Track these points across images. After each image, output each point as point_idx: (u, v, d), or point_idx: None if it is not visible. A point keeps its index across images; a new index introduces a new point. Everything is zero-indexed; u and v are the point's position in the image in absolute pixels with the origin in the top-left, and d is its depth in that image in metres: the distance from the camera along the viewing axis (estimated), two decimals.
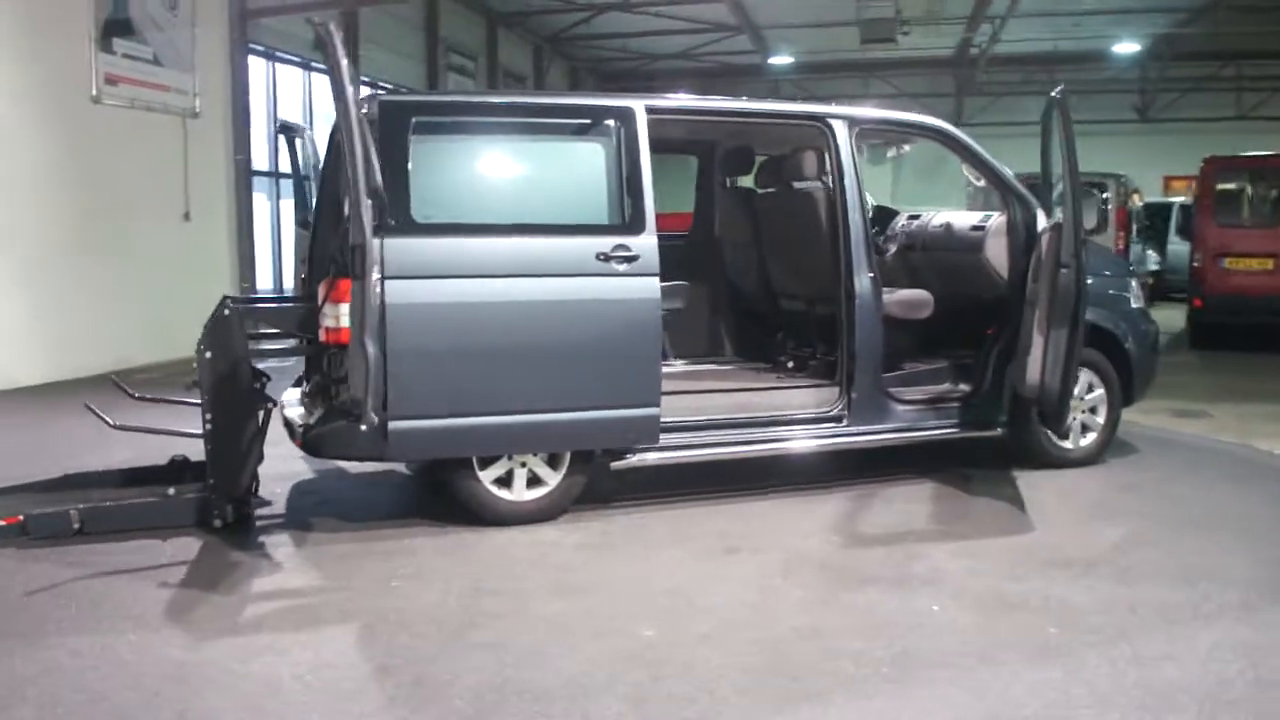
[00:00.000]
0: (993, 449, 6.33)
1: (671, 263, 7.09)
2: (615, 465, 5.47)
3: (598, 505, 5.60)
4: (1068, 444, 6.37)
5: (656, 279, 5.31)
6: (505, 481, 5.31)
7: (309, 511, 5.66)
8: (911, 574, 4.49)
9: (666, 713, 3.27)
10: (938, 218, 6.89)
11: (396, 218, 4.97)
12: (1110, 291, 6.52)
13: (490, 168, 5.44)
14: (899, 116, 6.23)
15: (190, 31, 13.06)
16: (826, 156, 5.93)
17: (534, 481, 5.35)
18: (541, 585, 4.47)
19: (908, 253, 6.96)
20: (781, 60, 24.99)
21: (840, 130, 5.86)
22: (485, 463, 5.26)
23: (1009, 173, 6.21)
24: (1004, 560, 4.64)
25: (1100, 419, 6.45)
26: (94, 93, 11.36)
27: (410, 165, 5.04)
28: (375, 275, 4.44)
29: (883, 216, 7.28)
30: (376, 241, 4.46)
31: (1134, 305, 6.64)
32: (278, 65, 15.77)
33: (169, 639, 3.92)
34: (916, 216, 7.09)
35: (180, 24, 12.88)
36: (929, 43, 23.16)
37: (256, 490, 5.40)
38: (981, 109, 26.17)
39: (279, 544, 5.10)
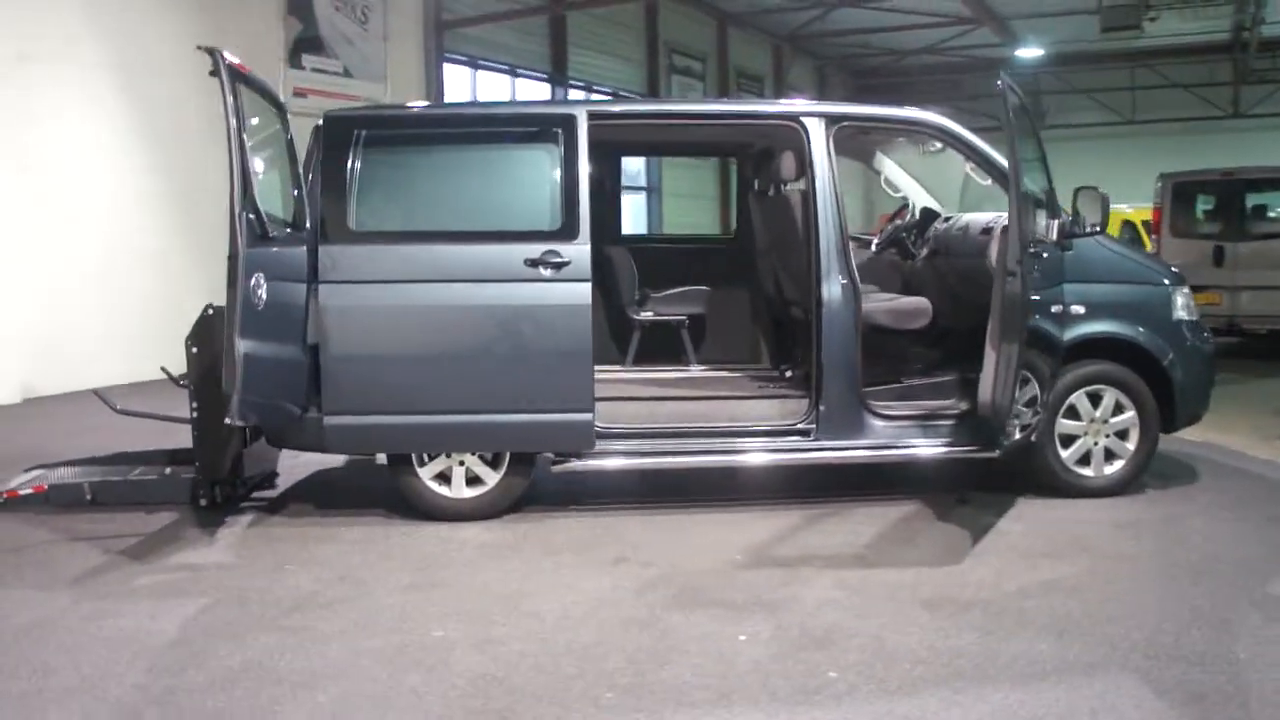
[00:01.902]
0: (1017, 474, 5.83)
1: (704, 267, 7.10)
2: (555, 469, 5.53)
3: (547, 507, 5.67)
4: (1088, 471, 5.76)
5: (588, 285, 5.30)
6: (447, 479, 5.47)
7: (298, 497, 6.08)
8: (764, 601, 4.27)
9: (352, 708, 3.35)
10: (959, 220, 6.39)
11: (333, 226, 5.27)
12: (1142, 301, 5.80)
13: (432, 177, 5.63)
14: (886, 112, 5.84)
15: (382, 45, 14.02)
16: (803, 157, 5.66)
17: (474, 480, 5.48)
18: (403, 579, 4.63)
19: (934, 258, 6.50)
20: (1029, 52, 23.52)
21: (815, 129, 5.58)
22: (425, 460, 5.44)
23: (1039, 165, 5.67)
24: (877, 595, 4.31)
25: (1131, 445, 5.76)
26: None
27: (351, 176, 5.32)
28: (251, 282, 4.70)
29: (927, 219, 6.83)
30: (251, 251, 4.70)
31: (1179, 317, 5.87)
32: (480, 73, 16.56)
33: (56, 597, 4.45)
34: (948, 219, 6.59)
35: (372, 38, 13.88)
36: (1198, 26, 21.19)
37: (242, 473, 5.83)
38: (1261, 99, 23.52)
39: (236, 524, 5.54)
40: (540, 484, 5.83)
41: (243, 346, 4.66)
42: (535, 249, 5.29)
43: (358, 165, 5.36)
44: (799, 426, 5.58)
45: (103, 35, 10.50)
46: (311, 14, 12.98)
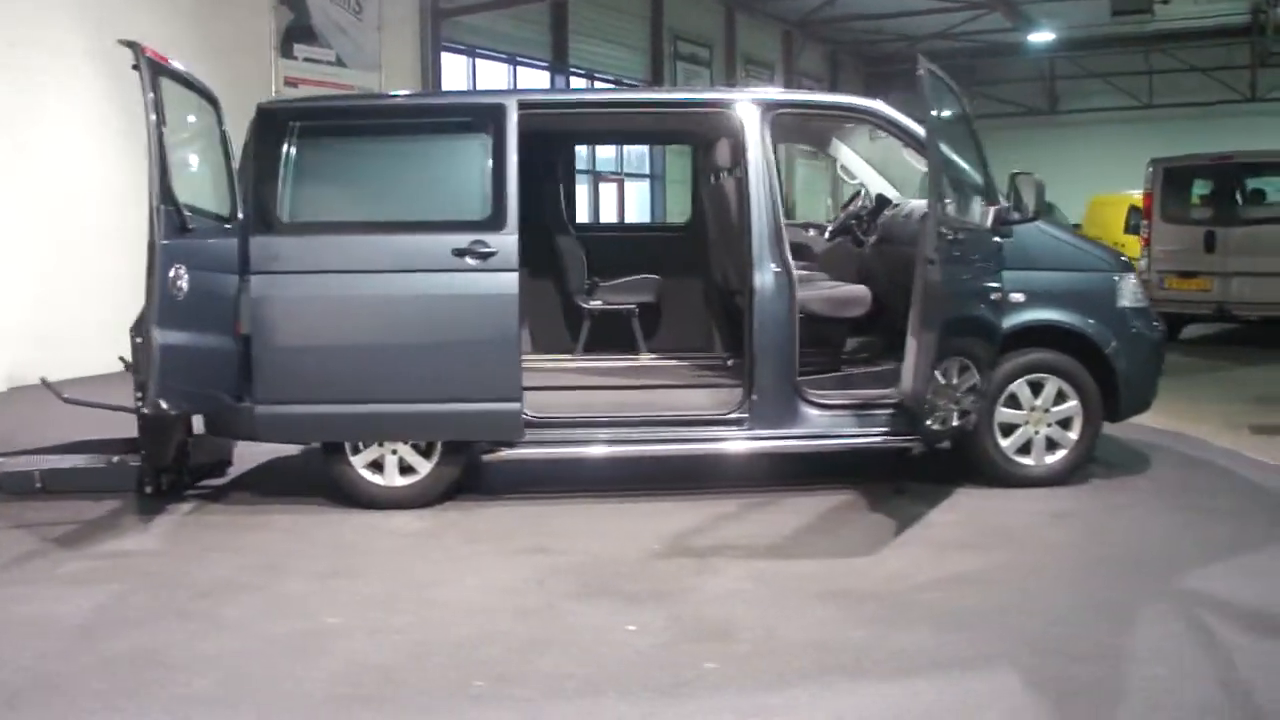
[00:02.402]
0: (960, 464, 5.78)
1: (659, 256, 7.08)
2: (486, 458, 5.54)
3: (482, 496, 5.69)
4: (1029, 461, 5.70)
5: (514, 274, 5.30)
6: (381, 467, 5.49)
7: (245, 485, 6.13)
8: (667, 591, 4.26)
9: (226, 692, 3.38)
10: (905, 207, 6.33)
11: (264, 217, 5.31)
12: (1085, 288, 5.72)
13: (364, 168, 5.66)
14: (822, 99, 5.82)
15: (376, 34, 14.04)
16: (739, 144, 5.62)
17: (407, 469, 5.50)
18: (320, 566, 4.68)
19: (882, 246, 6.45)
20: (1041, 37, 23.24)
21: (749, 116, 5.54)
22: (357, 448, 5.47)
23: (975, 156, 5.61)
24: (783, 587, 4.29)
25: (1073, 434, 5.69)
26: (273, 94, 12.46)
27: (283, 167, 5.35)
28: (170, 273, 4.73)
29: (880, 206, 6.77)
30: (169, 242, 4.73)
31: (1125, 304, 5.78)
32: (479, 61, 16.57)
33: None
34: (897, 206, 6.53)
35: (366, 27, 13.91)
36: (1216, 9, 20.87)
37: (187, 461, 5.88)
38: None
39: (175, 511, 5.61)
40: (486, 473, 5.84)
41: (160, 336, 4.70)
42: (463, 239, 5.29)
43: (291, 156, 5.39)
44: (731, 416, 5.55)
45: (90, 24, 10.54)
46: (303, 3, 13.03)
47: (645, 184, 20.87)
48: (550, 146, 6.89)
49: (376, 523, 5.30)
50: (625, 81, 19.55)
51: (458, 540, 5.04)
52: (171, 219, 4.73)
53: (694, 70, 21.41)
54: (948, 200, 4.95)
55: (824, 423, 5.58)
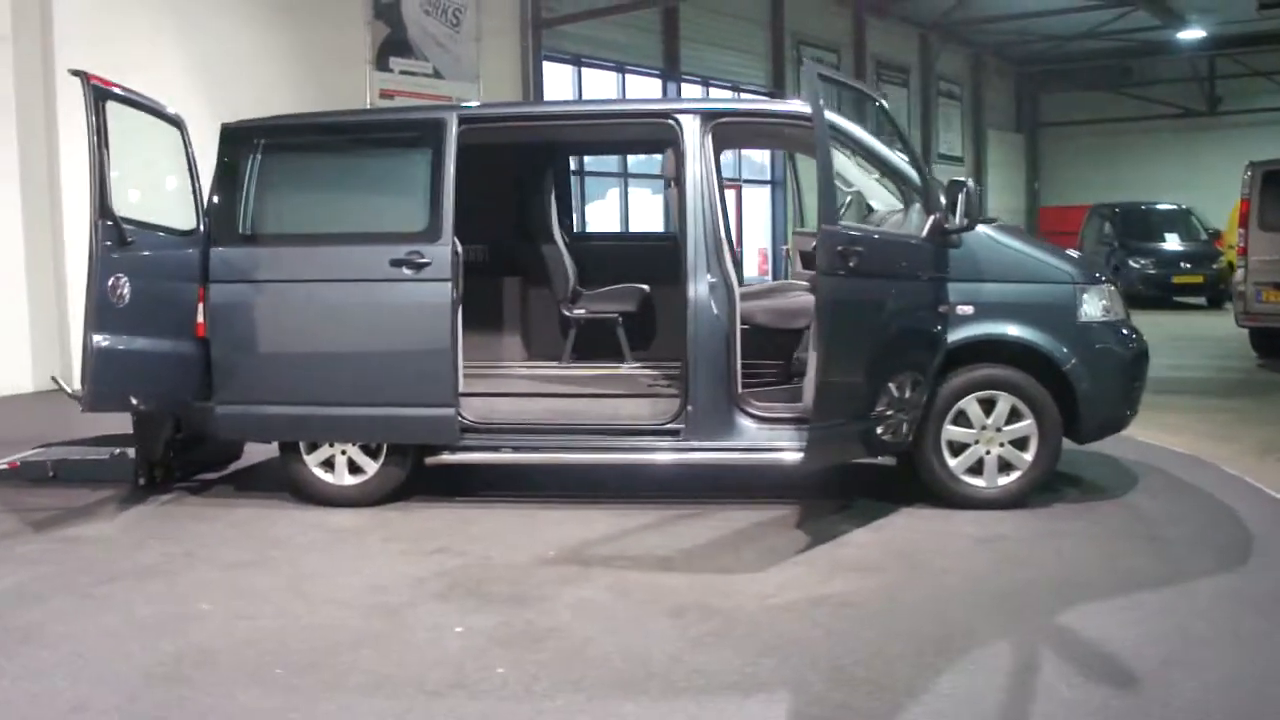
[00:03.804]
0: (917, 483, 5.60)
1: (649, 265, 7.13)
2: (428, 461, 5.72)
3: (431, 497, 5.87)
4: (979, 481, 5.47)
5: (448, 284, 5.47)
6: (332, 466, 5.76)
7: (234, 480, 6.49)
8: (524, 596, 4.34)
9: (61, 665, 3.64)
10: (875, 215, 6.16)
11: (223, 230, 5.67)
12: (1040, 301, 5.44)
13: (317, 182, 5.94)
14: (767, 107, 5.73)
15: (474, 46, 14.50)
16: (679, 154, 5.62)
17: (357, 469, 5.74)
18: (237, 557, 4.98)
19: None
20: (1192, 34, 21.90)
21: (689, 126, 5.54)
22: (311, 448, 5.75)
23: (903, 163, 5.46)
24: (639, 599, 4.28)
25: (1028, 456, 5.44)
26: (367, 106, 13.05)
27: (244, 183, 5.70)
28: (110, 282, 5.10)
29: (868, 215, 6.61)
30: (108, 255, 5.10)
31: (1088, 318, 5.47)
32: (586, 71, 16.85)
33: None
34: (873, 214, 6.35)
35: (464, 39, 14.39)
36: None
37: (175, 457, 6.29)
38: None
39: (153, 501, 6.03)
40: (453, 475, 6.01)
41: (96, 341, 5.07)
42: (400, 250, 5.49)
43: (251, 172, 5.72)
44: (668, 426, 5.55)
45: (189, 42, 11.28)
46: (399, 17, 13.58)
47: (767, 189, 20.75)
48: (538, 158, 7.02)
49: (316, 519, 5.56)
50: (743, 89, 19.49)
51: (377, 539, 5.24)
52: (110, 232, 5.09)
53: None
54: (842, 208, 4.82)
55: (762, 436, 5.50)
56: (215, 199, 5.73)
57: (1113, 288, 5.68)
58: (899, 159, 5.49)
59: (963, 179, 5.22)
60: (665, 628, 3.98)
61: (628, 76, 17.61)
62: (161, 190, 5.80)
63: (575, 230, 7.75)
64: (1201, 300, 18.38)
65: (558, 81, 16.31)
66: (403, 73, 13.69)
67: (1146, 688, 3.38)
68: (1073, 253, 6.21)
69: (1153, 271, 18.27)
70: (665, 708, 3.32)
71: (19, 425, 7.66)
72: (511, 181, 7.05)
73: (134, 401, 5.42)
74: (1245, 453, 6.79)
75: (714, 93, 18.89)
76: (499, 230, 7.15)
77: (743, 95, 18.63)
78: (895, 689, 3.40)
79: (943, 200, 5.28)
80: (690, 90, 18.62)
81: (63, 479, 6.36)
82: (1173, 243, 19.03)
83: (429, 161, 5.56)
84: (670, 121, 5.59)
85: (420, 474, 5.81)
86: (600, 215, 16.96)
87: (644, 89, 17.86)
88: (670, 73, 18.00)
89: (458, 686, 3.50)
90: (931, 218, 5.25)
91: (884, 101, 5.72)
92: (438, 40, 14.10)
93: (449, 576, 4.62)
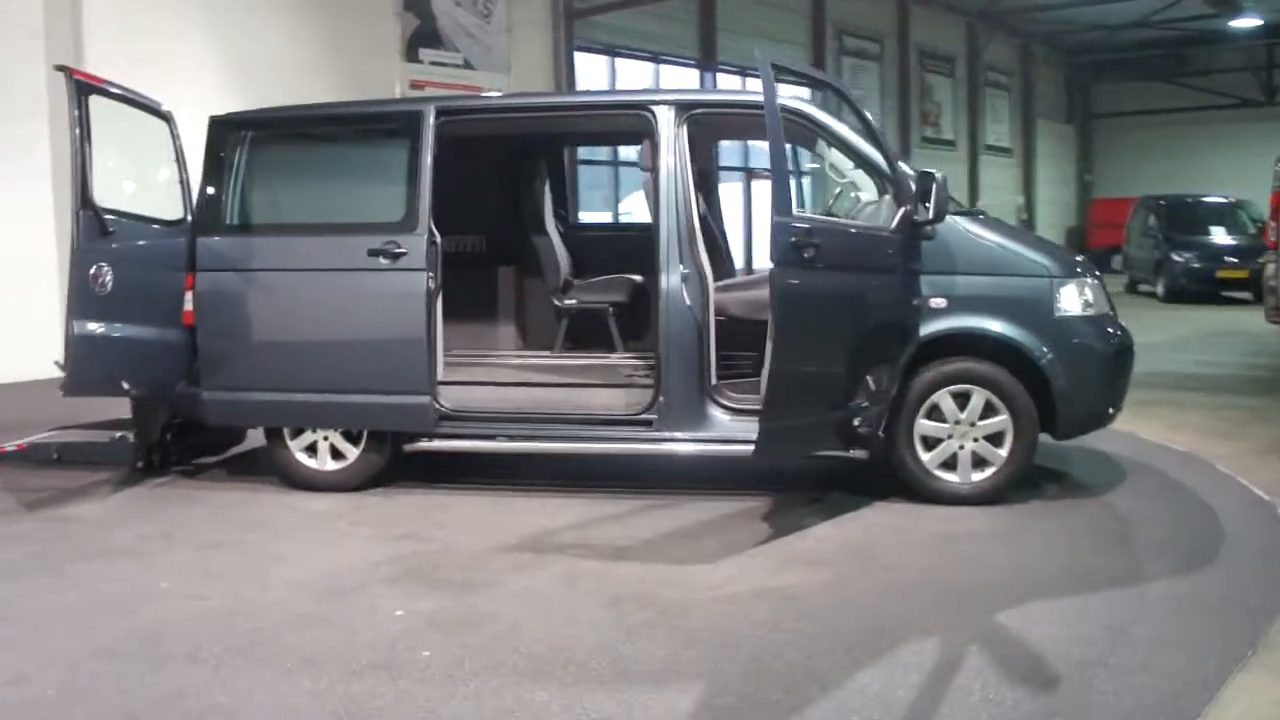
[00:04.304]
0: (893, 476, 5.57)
1: (640, 256, 7.14)
2: (406, 448, 5.81)
3: (413, 484, 5.96)
4: (953, 477, 5.43)
5: (423, 274, 5.55)
6: (315, 451, 5.87)
7: (229, 464, 6.65)
8: (473, 582, 4.41)
9: (14, 639, 3.79)
10: (857, 206, 6.11)
11: (209, 220, 5.81)
12: (1015, 294, 5.37)
13: (299, 172, 6.06)
14: (741, 98, 5.72)
15: (505, 36, 14.58)
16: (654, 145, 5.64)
17: (338, 454, 5.85)
18: (211, 539, 5.12)
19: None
20: (1246, 22, 21.32)
21: (663, 117, 5.55)
22: (295, 433, 5.87)
23: (879, 156, 5.42)
24: (582, 588, 4.31)
25: (1003, 451, 5.38)
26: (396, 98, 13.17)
27: (230, 173, 5.83)
28: (92, 271, 5.24)
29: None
30: (89, 244, 5.25)
31: (1066, 312, 5.39)
32: (620, 60, 16.86)
33: None
34: (860, 205, 6.30)
35: (494, 30, 14.48)
36: None
37: (172, 441, 6.45)
38: None
39: (147, 484, 6.23)
40: (437, 463, 6.10)
41: (77, 327, 5.21)
42: (377, 240, 5.58)
43: (237, 163, 5.85)
44: (641, 417, 5.57)
45: (218, 35, 11.49)
46: (429, 8, 13.70)
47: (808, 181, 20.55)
48: (532, 149, 7.07)
49: (296, 503, 5.68)
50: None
51: (348, 523, 5.34)
52: (91, 223, 5.23)
53: (861, 65, 20.94)
54: (833, 199, 4.81)
55: (735, 427, 5.50)
56: (202, 189, 5.85)
57: (1095, 281, 5.59)
58: (871, 150, 5.44)
59: (931, 171, 5.18)
60: (601, 616, 4.02)
61: (663, 67, 17.60)
62: (153, 182, 5.94)
63: (572, 221, 7.77)
64: (1247, 295, 17.92)
65: (591, 72, 16.35)
66: (432, 64, 13.80)
67: (1061, 690, 3.34)
68: (1055, 246, 6.12)
69: (1197, 265, 17.85)
70: (577, 694, 3.36)
71: (46, 408, 7.87)
72: (507, 172, 7.11)
73: (117, 386, 5.56)
74: (1246, 452, 6.64)
75: (751, 83, 18.76)
76: (495, 221, 7.22)
77: (719, 86, 18.27)
78: (809, 683, 3.40)
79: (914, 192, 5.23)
80: (728, 81, 18.54)
81: (66, 461, 6.56)
82: (1219, 236, 18.56)
83: (407, 153, 5.63)
84: (645, 113, 5.61)
85: (408, 460, 5.91)
86: (606, 206, 16.83)
87: (680, 80, 17.82)
88: (706, 63, 17.95)
89: (382, 667, 3.57)
90: (901, 210, 5.21)
91: (847, 91, 5.65)
92: (468, 31, 14.20)
93: (406, 562, 4.69)
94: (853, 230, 5.15)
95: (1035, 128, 26.72)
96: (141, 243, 5.62)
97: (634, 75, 17.05)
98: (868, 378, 5.15)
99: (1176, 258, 17.97)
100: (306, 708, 3.30)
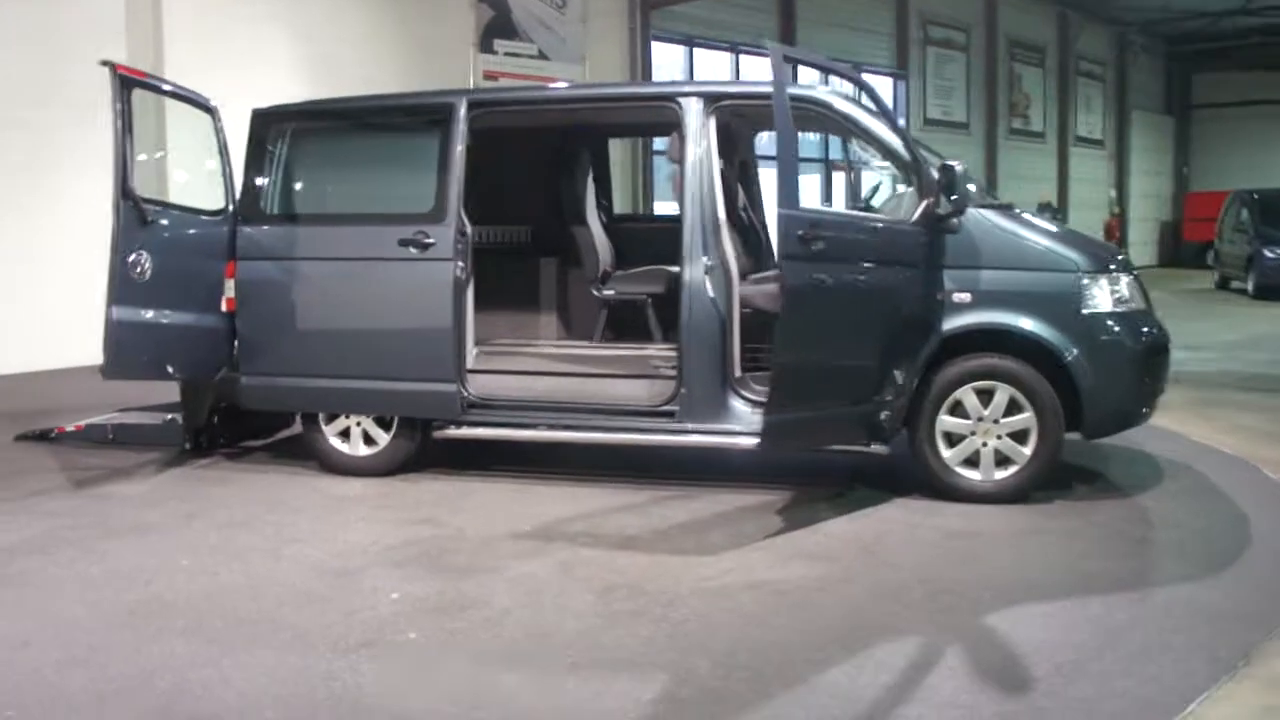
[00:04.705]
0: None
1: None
2: (435, 434, 5.93)
3: (445, 469, 6.09)
4: (974, 475, 5.34)
5: (450, 264, 5.66)
6: (348, 437, 6.04)
7: (274, 448, 6.85)
8: (476, 568, 4.48)
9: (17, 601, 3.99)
10: (893, 198, 6.06)
11: (250, 210, 6.01)
12: (1042, 289, 5.24)
13: (336, 163, 6.23)
14: (767, 89, 5.64)
15: (580, 27, 14.68)
16: (681, 137, 5.65)
17: (371, 440, 6.01)
18: (232, 517, 5.30)
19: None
20: None
21: (691, 109, 5.56)
22: (330, 419, 6.04)
23: (901, 147, 5.34)
24: (584, 576, 4.35)
25: (1027, 450, 5.27)
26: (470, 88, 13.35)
27: (270, 165, 6.02)
28: (130, 258, 5.46)
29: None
30: (129, 233, 5.46)
31: (1095, 309, 5.25)
32: (697, 51, 16.83)
33: None
34: (891, 197, 6.24)
35: (569, 21, 14.58)
36: None
37: (220, 424, 6.69)
38: None
39: (192, 464, 6.47)
40: (471, 450, 6.23)
41: (115, 313, 5.44)
42: (408, 230, 5.70)
43: (277, 154, 6.02)
44: (664, 408, 5.60)
45: (294, 29, 11.78)
46: (504, 0, 13.83)
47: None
48: (573, 142, 7.13)
49: (327, 487, 5.85)
50: (864, 69, 19.10)
51: (370, 507, 5.48)
52: (130, 212, 5.45)
53: (947, 55, 20.55)
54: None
55: (758, 420, 5.48)
56: (245, 180, 6.04)
57: (1129, 277, 5.43)
58: (896, 143, 5.36)
59: (952, 163, 5.09)
60: (588, 604, 4.06)
61: (741, 57, 17.52)
62: (200, 173, 6.15)
63: (615, 212, 7.81)
64: None
65: (668, 62, 16.36)
66: (507, 54, 13.96)
67: (1031, 694, 3.27)
68: (1089, 240, 5.96)
69: None
70: (543, 679, 3.41)
71: (111, 392, 8.20)
72: (552, 164, 7.18)
73: (157, 370, 5.79)
74: None
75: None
76: (543, 212, 7.30)
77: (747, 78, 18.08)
78: (776, 678, 3.39)
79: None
80: (808, 72, 18.34)
81: (120, 442, 6.85)
82: None
83: (438, 145, 5.73)
84: (673, 104, 5.62)
85: (445, 448, 6.05)
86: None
87: (758, 70, 17.71)
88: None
89: (367, 646, 3.67)
90: (923, 203, 5.14)
91: (864, 82, 5.57)
92: (543, 22, 14.32)
93: (416, 546, 4.80)
94: (866, 223, 5.08)
95: (1130, 119, 25.89)
96: (182, 232, 5.82)
97: (712, 66, 17.01)
98: (884, 372, 5.09)
99: (1268, 254, 17.26)
100: (286, 683, 3.40)
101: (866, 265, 5.02)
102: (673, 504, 5.42)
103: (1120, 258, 5.61)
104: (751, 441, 5.23)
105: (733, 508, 5.35)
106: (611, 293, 7.08)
